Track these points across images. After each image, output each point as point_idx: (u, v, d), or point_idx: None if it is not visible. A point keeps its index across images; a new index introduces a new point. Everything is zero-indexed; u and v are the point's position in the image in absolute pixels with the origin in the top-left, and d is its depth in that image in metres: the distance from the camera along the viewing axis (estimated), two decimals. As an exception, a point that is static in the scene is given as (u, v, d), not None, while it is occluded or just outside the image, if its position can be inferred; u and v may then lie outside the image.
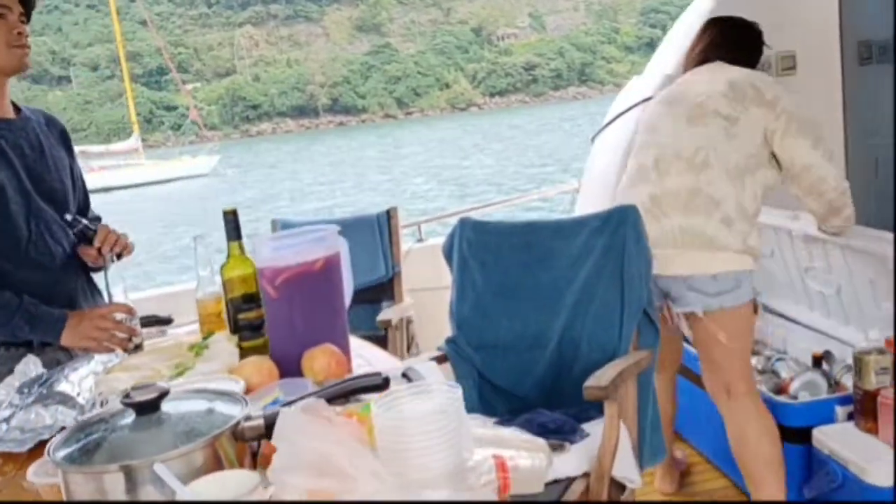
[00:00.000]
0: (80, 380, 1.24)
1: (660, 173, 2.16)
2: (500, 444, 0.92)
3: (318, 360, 1.31)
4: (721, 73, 2.19)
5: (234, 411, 0.93)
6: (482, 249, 2.07)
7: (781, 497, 2.13)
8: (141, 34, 53.92)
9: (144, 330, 1.74)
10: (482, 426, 1.83)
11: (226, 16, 62.13)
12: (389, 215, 2.78)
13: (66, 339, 1.57)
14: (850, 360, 2.25)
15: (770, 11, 2.95)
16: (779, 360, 2.63)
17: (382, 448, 0.79)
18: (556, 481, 1.65)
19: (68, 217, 1.69)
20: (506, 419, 1.89)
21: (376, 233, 2.76)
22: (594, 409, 1.73)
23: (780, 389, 2.43)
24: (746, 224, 2.09)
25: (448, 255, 2.13)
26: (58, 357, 1.59)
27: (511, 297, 2.04)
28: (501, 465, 0.88)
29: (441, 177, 23.51)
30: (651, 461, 2.03)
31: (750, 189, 2.09)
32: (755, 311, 2.54)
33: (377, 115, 56.84)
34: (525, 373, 1.99)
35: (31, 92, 55.19)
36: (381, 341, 2.52)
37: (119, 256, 1.70)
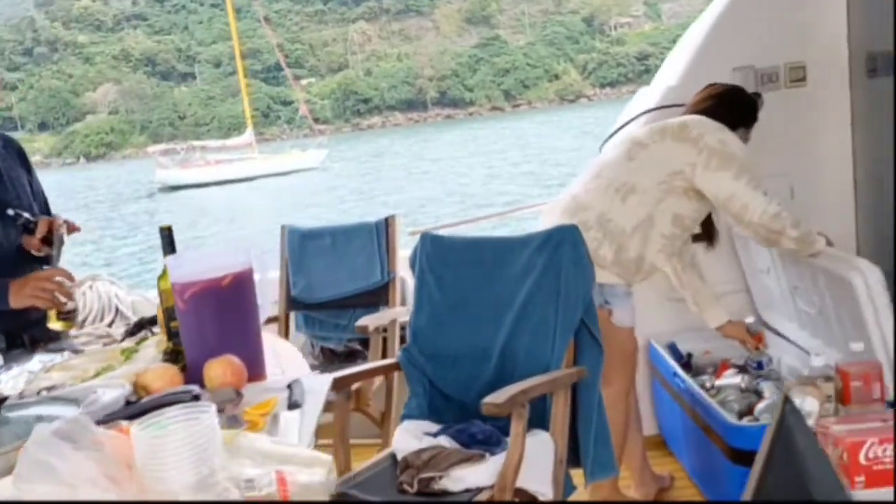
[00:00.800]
0: (10, 378, 1.46)
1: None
2: (284, 460, 1.05)
3: (214, 370, 1.48)
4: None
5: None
6: (439, 264, 2.20)
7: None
8: (260, 31, 56.06)
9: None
10: (415, 433, 1.98)
11: (340, 12, 63.82)
12: (388, 223, 2.93)
13: (13, 301, 1.76)
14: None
15: (780, 22, 2.92)
16: (765, 379, 2.61)
17: (137, 460, 0.95)
18: (466, 490, 1.77)
19: (10, 212, 1.88)
20: (446, 427, 2.02)
21: (374, 240, 2.91)
22: (529, 421, 1.81)
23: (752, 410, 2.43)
24: (612, 239, 2.24)
25: (412, 268, 2.27)
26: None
27: (463, 310, 2.15)
28: (281, 480, 1.01)
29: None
30: (599, 474, 2.10)
31: (635, 208, 2.22)
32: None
33: (484, 108, 56.95)
34: (471, 383, 2.10)
35: (160, 88, 58.92)
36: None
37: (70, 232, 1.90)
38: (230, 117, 54.37)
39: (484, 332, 2.10)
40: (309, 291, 2.95)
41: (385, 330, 2.69)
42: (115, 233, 21.49)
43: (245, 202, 25.03)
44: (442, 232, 2.62)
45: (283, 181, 28.53)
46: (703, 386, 2.67)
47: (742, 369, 2.75)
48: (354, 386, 2.38)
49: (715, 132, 2.27)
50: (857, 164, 2.87)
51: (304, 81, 59.07)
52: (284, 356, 1.78)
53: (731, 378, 2.68)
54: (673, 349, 2.94)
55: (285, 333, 2.94)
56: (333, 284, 2.93)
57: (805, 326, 2.64)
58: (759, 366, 2.68)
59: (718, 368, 2.80)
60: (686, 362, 2.86)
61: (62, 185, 29.97)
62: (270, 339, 1.81)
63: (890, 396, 2.12)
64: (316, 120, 53.29)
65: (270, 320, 2.93)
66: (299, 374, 1.63)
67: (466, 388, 2.10)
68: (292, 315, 3.00)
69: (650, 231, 2.27)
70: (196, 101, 58.49)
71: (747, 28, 2.90)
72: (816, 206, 3.00)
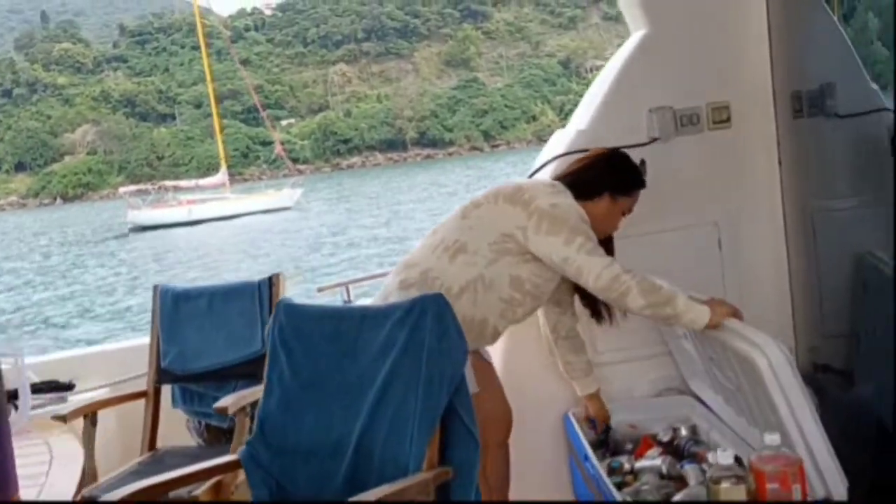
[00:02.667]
0: None
1: None
2: None
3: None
4: None
5: None
6: (294, 336, 1.89)
7: None
8: (242, 73, 56.20)
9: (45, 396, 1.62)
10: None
11: (321, 54, 64.18)
12: (272, 282, 2.62)
13: None
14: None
15: (701, 61, 2.67)
16: (690, 461, 2.30)
17: None
18: None
19: None
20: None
21: (256, 302, 2.60)
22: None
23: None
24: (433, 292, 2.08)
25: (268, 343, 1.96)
26: None
27: (317, 394, 1.84)
28: None
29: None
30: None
31: (463, 268, 2.12)
32: None
33: (464, 148, 57.23)
34: (324, 483, 1.78)
35: (139, 129, 58.65)
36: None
37: None
38: (208, 157, 54.06)
39: (339, 422, 1.78)
40: (182, 361, 2.62)
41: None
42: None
43: (212, 241, 24.69)
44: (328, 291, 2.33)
45: (257, 220, 28.22)
46: (619, 469, 2.36)
47: (668, 446, 2.46)
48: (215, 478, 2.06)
49: (548, 196, 2.17)
50: (786, 211, 2.61)
51: (284, 122, 59.22)
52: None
53: (651, 460, 2.37)
54: (593, 422, 2.64)
55: (154, 410, 2.60)
56: (210, 353, 2.60)
57: (729, 402, 2.35)
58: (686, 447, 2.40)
59: (639, 445, 2.49)
60: (604, 438, 2.56)
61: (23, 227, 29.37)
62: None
63: (816, 495, 1.83)
64: (296, 160, 53.27)
65: (137, 395, 2.61)
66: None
67: (318, 489, 1.78)
68: (166, 388, 2.67)
69: (486, 293, 2.13)
70: (175, 142, 58.30)
71: (664, 67, 2.65)
72: (747, 257, 2.75)
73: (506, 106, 58.23)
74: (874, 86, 2.11)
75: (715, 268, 2.74)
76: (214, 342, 2.60)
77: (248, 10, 70.30)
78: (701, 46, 2.64)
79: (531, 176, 2.76)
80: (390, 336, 1.75)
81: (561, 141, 2.74)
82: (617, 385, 2.76)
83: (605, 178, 2.28)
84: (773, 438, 1.68)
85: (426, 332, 1.70)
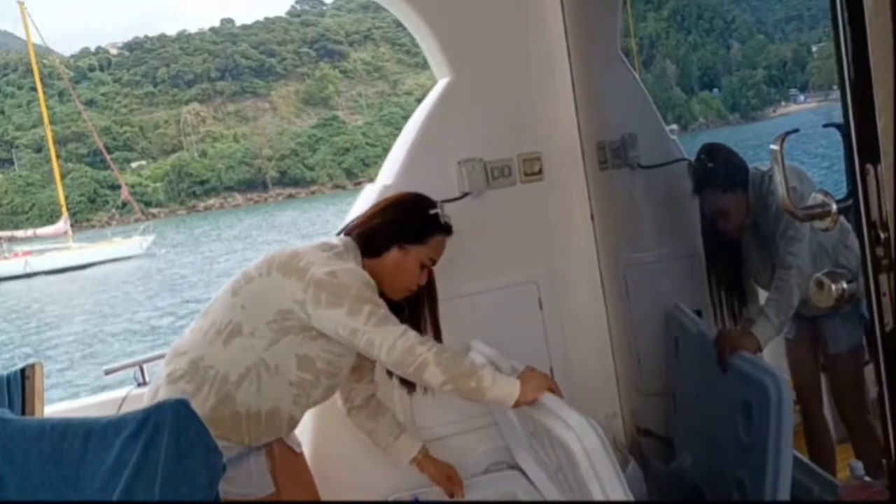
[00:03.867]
0: None
1: None
2: None
3: None
4: None
5: None
6: (5, 461, 1.51)
7: None
8: (88, 114, 53.25)
9: None
10: None
11: (172, 94, 61.99)
12: (24, 375, 2.20)
13: None
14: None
15: (509, 112, 2.52)
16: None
17: None
18: None
19: None
20: None
21: (5, 399, 2.17)
22: None
23: None
24: (212, 390, 1.87)
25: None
26: None
27: (35, 534, 1.46)
28: None
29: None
30: None
31: (240, 353, 1.88)
32: None
33: (326, 187, 56.68)
34: None
35: (-29, 177, 54.18)
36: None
37: None
38: (51, 204, 50.65)
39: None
40: None
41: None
42: None
43: (48, 296, 22.84)
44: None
45: (102, 271, 26.45)
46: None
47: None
48: None
49: (325, 262, 1.90)
50: (601, 266, 2.48)
51: (134, 164, 56.55)
52: None
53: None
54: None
55: None
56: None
57: (552, 479, 2.16)
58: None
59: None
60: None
61: None
62: None
63: None
64: (148, 204, 50.83)
65: None
66: None
67: None
68: None
69: (271, 380, 1.89)
70: (13, 188, 54.29)
71: (471, 117, 2.48)
72: (568, 316, 2.60)
73: (367, 143, 58.22)
74: (672, 136, 2.03)
75: (537, 328, 2.59)
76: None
77: (93, 49, 66.88)
78: (507, 95, 2.50)
79: (340, 233, 2.51)
80: (120, 457, 1.41)
81: (369, 197, 2.50)
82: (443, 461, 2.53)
83: (391, 227, 2.05)
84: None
85: (161, 450, 1.38)
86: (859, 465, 1.60)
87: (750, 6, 2.00)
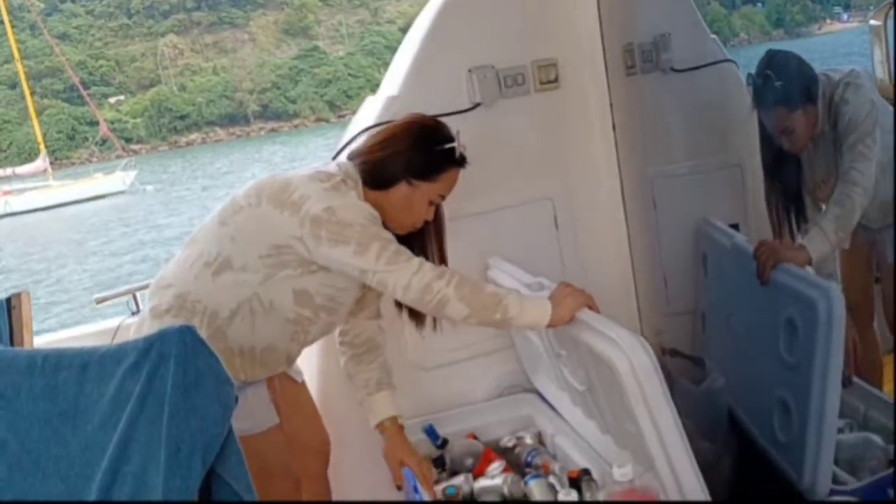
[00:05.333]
0: None
1: None
2: None
3: None
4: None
5: None
6: (-7, 397, 1.37)
7: None
8: (61, 48, 51.68)
9: None
10: None
11: (147, 26, 60.17)
12: (10, 304, 2.05)
13: None
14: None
15: (523, 14, 2.32)
16: (535, 476, 1.99)
17: None
18: None
19: None
20: None
21: (-9, 329, 2.03)
22: None
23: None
24: (202, 326, 1.70)
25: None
26: None
27: (30, 473, 1.34)
28: None
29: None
30: None
31: (230, 288, 1.73)
32: None
33: (309, 120, 55.76)
34: None
35: (-57, 114, 52.75)
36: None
37: None
38: (30, 142, 49.60)
39: (59, 513, 1.30)
40: None
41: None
42: None
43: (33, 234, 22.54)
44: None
45: (88, 207, 26.06)
46: (455, 495, 2.02)
47: (511, 457, 2.15)
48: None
49: (322, 196, 1.71)
50: (623, 181, 2.33)
51: (112, 100, 55.25)
52: None
53: (492, 479, 2.05)
54: (431, 433, 2.28)
55: None
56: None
57: (577, 403, 2.05)
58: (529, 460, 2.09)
59: (479, 460, 2.16)
60: (440, 456, 2.20)
61: None
62: None
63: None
64: (129, 140, 49.87)
65: None
66: None
67: None
68: None
69: (266, 316, 1.74)
70: (-12, 126, 53.08)
71: (481, 21, 2.30)
72: (585, 234, 2.47)
73: (349, 75, 57.04)
74: (713, 36, 1.86)
75: (552, 247, 2.46)
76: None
77: (63, -21, 64.52)
78: (523, -2, 2.29)
79: (338, 153, 2.33)
80: (121, 390, 1.27)
81: (371, 110, 2.32)
82: (456, 388, 2.44)
83: (401, 160, 1.84)
84: (624, 472, 1.37)
85: (167, 382, 1.24)
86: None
87: None
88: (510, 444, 2.26)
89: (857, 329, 1.73)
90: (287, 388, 2.00)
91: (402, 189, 1.84)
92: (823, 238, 1.62)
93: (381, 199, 1.82)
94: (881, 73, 1.16)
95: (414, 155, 1.84)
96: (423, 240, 1.96)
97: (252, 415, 1.81)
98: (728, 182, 1.92)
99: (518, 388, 2.46)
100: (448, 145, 1.85)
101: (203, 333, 1.62)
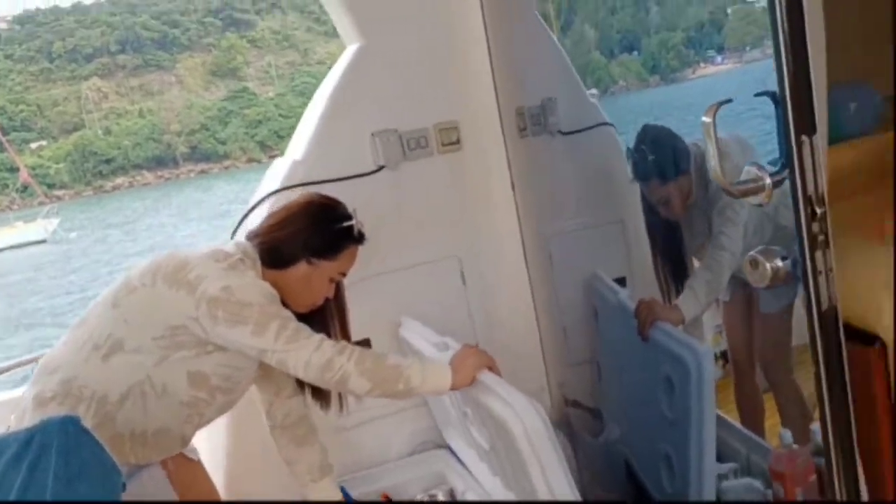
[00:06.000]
0: None
1: None
2: None
3: None
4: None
5: None
6: None
7: None
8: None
9: None
10: None
11: (70, 69, 58.94)
12: None
13: None
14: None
15: (424, 79, 2.39)
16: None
17: None
18: None
19: None
20: None
21: None
22: None
23: None
24: (90, 412, 1.65)
25: None
26: None
27: None
28: None
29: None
30: None
31: (122, 371, 1.68)
32: None
33: (240, 161, 55.23)
34: None
35: None
36: None
37: None
38: (-54, 192, 47.82)
39: None
40: None
41: None
42: None
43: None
44: None
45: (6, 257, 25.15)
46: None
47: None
48: None
49: (219, 275, 1.69)
50: (524, 237, 2.41)
51: (34, 145, 53.70)
52: None
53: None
54: (345, 495, 2.28)
55: None
56: None
57: (483, 459, 2.10)
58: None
59: (391, 519, 2.17)
60: (351, 515, 2.21)
61: None
62: None
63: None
64: (51, 186, 48.41)
65: None
66: None
67: None
68: None
69: (158, 399, 1.70)
70: None
71: (384, 85, 2.35)
72: (492, 290, 2.53)
73: (280, 115, 56.86)
74: (593, 99, 1.96)
75: (461, 303, 2.51)
76: None
77: (-20, 23, 62.88)
78: (421, 61, 2.38)
79: (242, 219, 2.35)
80: (2, 482, 1.26)
81: (277, 174, 2.35)
82: (369, 447, 2.46)
83: (300, 239, 1.83)
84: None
85: (48, 474, 1.23)
86: (788, 434, 1.58)
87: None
88: (424, 501, 2.28)
89: (736, 375, 1.84)
90: (182, 467, 1.93)
91: (301, 268, 1.83)
92: (695, 300, 1.71)
93: (280, 279, 1.80)
94: (715, 165, 1.24)
95: (313, 234, 1.84)
96: (324, 317, 1.95)
97: (151, 496, 1.78)
98: (613, 238, 2.01)
99: (431, 444, 2.49)
100: (346, 223, 1.85)
101: (90, 420, 1.62)
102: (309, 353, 1.67)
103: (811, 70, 1.11)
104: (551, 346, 2.43)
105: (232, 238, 2.21)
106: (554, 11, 2.20)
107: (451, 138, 2.42)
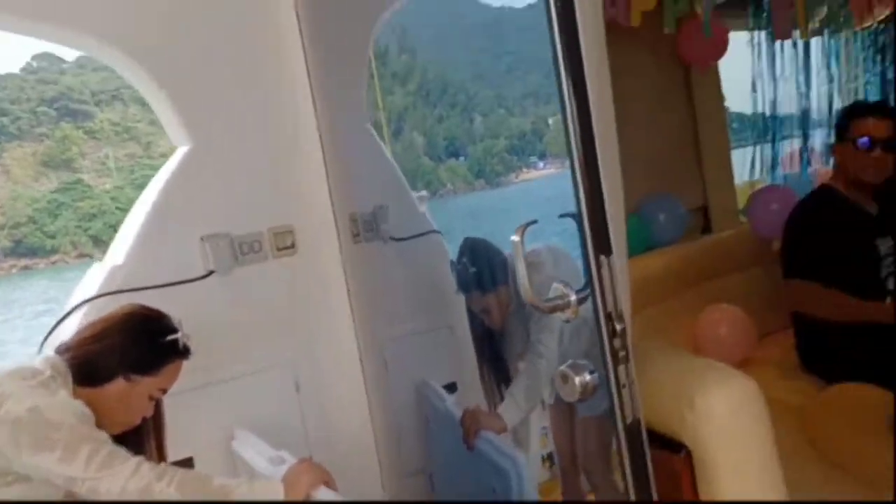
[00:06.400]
0: None
1: None
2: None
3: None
4: None
5: None
6: None
7: None
8: None
9: None
10: None
11: None
12: None
13: None
14: None
15: (259, 179, 2.38)
16: None
17: None
18: None
19: None
20: None
21: None
22: None
23: None
24: None
25: None
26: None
27: None
28: None
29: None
30: None
31: None
32: None
33: (70, 256, 51.92)
34: None
35: None
36: None
37: None
38: None
39: None
40: None
41: None
42: None
43: None
44: None
45: None
46: None
47: None
48: None
49: (26, 394, 1.55)
50: (360, 343, 2.40)
51: None
52: None
53: None
54: None
55: None
56: None
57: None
58: None
59: None
60: None
61: None
62: None
63: None
64: None
65: None
66: None
67: None
68: None
69: None
70: None
71: (215, 189, 2.32)
72: (327, 397, 2.48)
73: (117, 208, 54.33)
74: (421, 209, 2.03)
75: (295, 411, 2.44)
76: None
77: None
78: (254, 165, 2.37)
79: (52, 330, 2.19)
80: None
81: (93, 280, 2.22)
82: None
83: (118, 353, 1.71)
84: None
85: None
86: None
87: (491, 83, 2.08)
88: None
89: (562, 476, 1.88)
90: None
91: (118, 385, 1.71)
92: (516, 407, 1.76)
93: (94, 397, 1.66)
94: (524, 283, 1.31)
95: (132, 349, 1.72)
96: (140, 436, 1.81)
97: None
98: (444, 343, 2.05)
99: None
100: (170, 337, 1.76)
101: None
102: (125, 480, 1.52)
103: (604, 191, 1.19)
104: (386, 455, 2.40)
105: (40, 351, 2.05)
106: (385, 119, 2.29)
107: (286, 242, 2.40)
